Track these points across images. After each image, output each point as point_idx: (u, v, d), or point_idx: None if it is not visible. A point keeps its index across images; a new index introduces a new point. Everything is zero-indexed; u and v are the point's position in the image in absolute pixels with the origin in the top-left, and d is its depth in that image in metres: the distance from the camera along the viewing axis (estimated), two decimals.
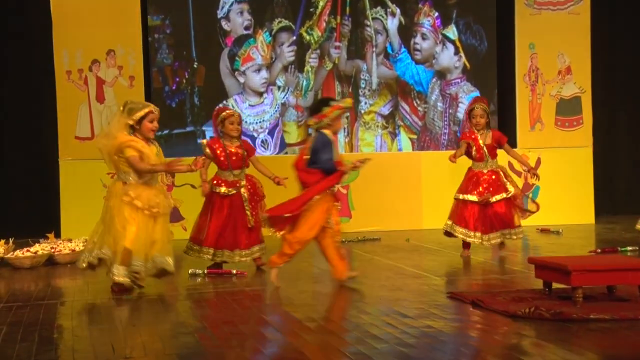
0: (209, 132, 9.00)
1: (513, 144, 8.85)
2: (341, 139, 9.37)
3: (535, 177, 6.60)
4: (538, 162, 9.35)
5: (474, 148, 6.56)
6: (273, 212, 5.27)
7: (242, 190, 6.02)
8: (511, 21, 9.43)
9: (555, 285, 4.64)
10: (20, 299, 5.18)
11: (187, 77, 9.16)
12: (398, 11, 9.53)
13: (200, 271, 5.96)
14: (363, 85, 9.56)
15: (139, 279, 5.20)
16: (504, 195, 6.46)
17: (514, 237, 6.55)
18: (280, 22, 9.36)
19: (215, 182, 6.06)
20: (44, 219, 8.46)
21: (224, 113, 6.10)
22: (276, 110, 9.41)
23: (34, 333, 4.16)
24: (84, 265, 5.32)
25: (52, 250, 6.88)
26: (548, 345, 3.70)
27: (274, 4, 9.31)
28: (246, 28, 9.25)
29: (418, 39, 9.62)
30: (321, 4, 9.35)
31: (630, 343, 3.73)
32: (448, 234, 6.61)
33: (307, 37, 9.40)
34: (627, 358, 3.53)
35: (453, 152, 6.69)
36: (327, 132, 5.36)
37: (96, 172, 8.27)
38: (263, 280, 5.76)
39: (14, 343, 3.97)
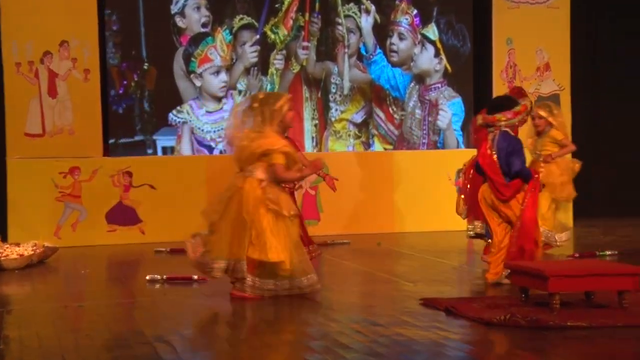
0: (161, 141, 8.72)
1: None
2: (309, 148, 9.10)
3: None
4: None
5: None
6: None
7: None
8: (488, 15, 9.50)
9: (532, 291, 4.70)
10: None
11: (136, 79, 8.63)
12: (373, 8, 9.28)
13: (159, 277, 5.92)
14: (334, 90, 9.27)
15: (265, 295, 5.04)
16: None
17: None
18: (242, 19, 8.99)
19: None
20: None
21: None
22: None
23: None
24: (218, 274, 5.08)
25: None
26: (523, 354, 3.74)
27: None
28: (204, 25, 8.83)
29: (395, 39, 9.37)
30: None
31: (608, 351, 3.79)
32: (479, 236, 6.40)
33: (272, 36, 9.06)
34: None
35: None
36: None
37: (47, 171, 8.17)
38: (224, 286, 5.74)
39: None
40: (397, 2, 9.33)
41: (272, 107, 5.16)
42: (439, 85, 9.52)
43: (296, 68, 9.17)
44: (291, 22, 9.17)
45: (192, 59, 8.83)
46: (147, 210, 8.34)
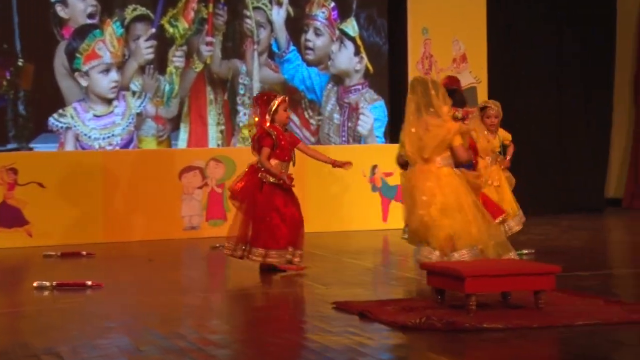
0: (40, 149, 8.19)
1: None
2: None
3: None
4: None
5: None
6: None
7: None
8: (404, 3, 9.59)
9: (448, 292, 4.79)
10: None
11: (8, 78, 8.03)
12: (285, 0, 9.01)
13: (47, 283, 5.76)
14: (242, 92, 8.92)
15: None
16: None
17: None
18: (135, 9, 8.48)
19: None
20: None
21: (278, 99, 6.22)
22: (130, 123, 8.60)
23: None
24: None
25: None
26: (440, 358, 3.81)
27: None
28: (90, 16, 8.30)
29: (310, 35, 9.09)
30: None
31: (524, 353, 3.90)
32: None
33: (171, 30, 8.61)
34: None
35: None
36: None
37: None
38: (126, 293, 5.63)
39: None
40: None
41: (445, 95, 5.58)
42: (360, 86, 9.33)
43: (199, 67, 8.78)
44: (192, 14, 8.72)
45: (77, 54, 8.33)
46: (35, 210, 8.05)
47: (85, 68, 8.39)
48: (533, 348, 3.96)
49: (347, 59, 9.29)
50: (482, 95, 9.86)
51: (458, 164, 5.58)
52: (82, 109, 8.42)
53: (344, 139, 9.30)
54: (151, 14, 8.67)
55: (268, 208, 6.11)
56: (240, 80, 8.97)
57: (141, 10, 8.59)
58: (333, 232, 8.65)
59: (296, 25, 9.15)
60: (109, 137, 8.50)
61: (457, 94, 6.19)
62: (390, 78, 9.76)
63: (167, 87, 8.74)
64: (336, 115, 9.27)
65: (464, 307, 4.50)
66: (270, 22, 9.05)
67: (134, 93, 8.65)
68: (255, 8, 8.98)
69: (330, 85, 9.25)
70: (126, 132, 8.66)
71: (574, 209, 10.51)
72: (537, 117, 10.59)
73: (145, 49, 8.61)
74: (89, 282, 5.78)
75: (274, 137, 6.14)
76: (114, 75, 8.51)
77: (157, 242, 8.29)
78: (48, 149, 8.33)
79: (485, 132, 6.79)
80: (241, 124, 9.00)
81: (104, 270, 6.80)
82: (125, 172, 8.44)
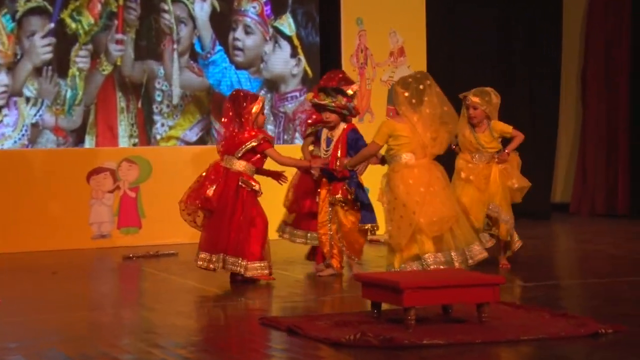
0: None
1: None
2: None
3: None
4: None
5: None
6: None
7: None
8: None
9: (385, 306, 4.82)
10: None
11: None
12: None
13: None
14: (159, 99, 8.68)
15: None
16: None
17: None
18: (29, 0, 8.08)
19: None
20: None
21: (260, 102, 6.33)
22: (23, 135, 8.26)
23: None
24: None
25: None
26: None
27: None
28: None
29: (239, 34, 8.87)
30: None
31: None
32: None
33: (73, 25, 8.25)
34: None
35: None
36: None
37: None
38: (26, 310, 5.52)
39: None
40: None
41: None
42: (297, 93, 9.17)
43: (107, 69, 8.50)
44: (99, 6, 8.36)
45: None
46: None
47: None
48: None
49: (282, 61, 9.08)
50: None
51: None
52: None
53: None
54: (49, 6, 8.29)
55: (249, 216, 6.19)
56: (157, 85, 8.69)
57: (36, 1, 8.19)
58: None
59: (223, 22, 8.90)
60: None
61: (330, 89, 6.41)
62: (322, 74, 9.77)
63: (69, 93, 8.39)
64: (270, 127, 9.08)
65: (402, 321, 4.54)
66: (192, 18, 8.77)
67: (28, 100, 8.28)
68: (175, 1, 8.68)
69: (262, 92, 9.02)
70: (18, 145, 8.30)
71: (518, 215, 10.70)
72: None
73: (41, 48, 8.24)
74: None
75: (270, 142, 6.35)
76: (2, 77, 8.14)
77: (62, 253, 8.16)
78: None
79: (467, 126, 6.85)
80: (158, 136, 8.70)
81: (0, 284, 6.64)
82: (24, 175, 8.28)
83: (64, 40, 8.36)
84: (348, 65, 9.63)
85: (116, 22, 8.51)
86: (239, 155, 6.28)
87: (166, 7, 8.66)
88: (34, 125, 8.39)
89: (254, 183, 6.26)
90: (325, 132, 6.52)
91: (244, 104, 6.31)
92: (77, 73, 8.45)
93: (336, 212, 6.43)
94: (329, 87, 6.50)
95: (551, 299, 5.58)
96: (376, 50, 9.75)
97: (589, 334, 4.37)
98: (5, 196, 8.20)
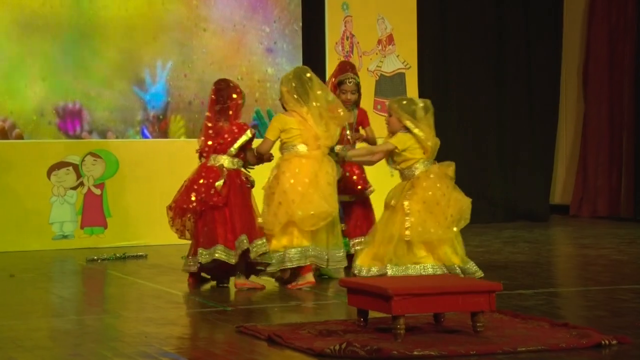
0: None
1: None
2: None
3: None
4: None
5: None
6: None
7: None
8: None
9: (372, 314, 4.83)
10: None
11: None
12: None
13: None
14: None
15: None
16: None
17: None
18: None
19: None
20: None
21: (241, 91, 6.41)
22: None
23: None
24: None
25: None
26: None
27: None
28: None
29: None
30: None
31: None
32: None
33: None
34: None
35: None
36: None
37: None
38: None
39: None
40: None
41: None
42: None
43: None
44: None
45: None
46: None
47: None
48: None
49: None
50: (412, 83, 9.99)
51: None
52: None
53: None
54: None
55: (252, 208, 6.36)
56: None
57: None
58: None
59: None
60: None
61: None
62: (305, 63, 9.77)
63: None
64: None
65: (390, 331, 4.55)
66: None
67: None
68: None
69: None
70: None
71: (516, 218, 10.78)
72: (474, 111, 10.80)
73: None
74: None
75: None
76: None
77: (19, 255, 8.12)
78: None
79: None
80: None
81: None
82: None
83: None
84: (333, 53, 9.64)
85: None
86: (234, 152, 6.29)
87: None
88: None
89: (252, 178, 6.41)
90: None
91: (233, 95, 6.32)
92: None
93: None
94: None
95: (551, 307, 5.61)
96: (363, 37, 9.75)
97: (591, 346, 4.39)
98: None
